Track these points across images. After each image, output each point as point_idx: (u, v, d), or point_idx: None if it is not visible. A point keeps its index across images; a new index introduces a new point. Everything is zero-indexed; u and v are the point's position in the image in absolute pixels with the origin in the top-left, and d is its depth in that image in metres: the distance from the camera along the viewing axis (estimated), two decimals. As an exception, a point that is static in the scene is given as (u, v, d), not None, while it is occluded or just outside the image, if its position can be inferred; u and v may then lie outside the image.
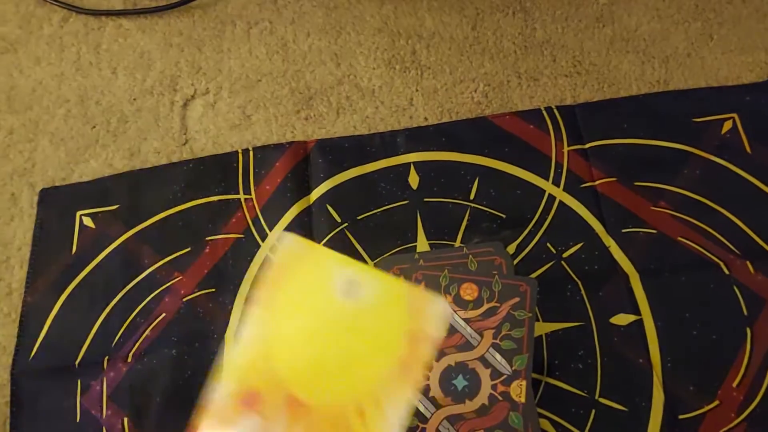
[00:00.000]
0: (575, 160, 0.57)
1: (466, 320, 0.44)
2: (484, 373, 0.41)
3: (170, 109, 0.64)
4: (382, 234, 0.56)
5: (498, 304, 0.44)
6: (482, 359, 0.42)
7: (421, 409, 0.45)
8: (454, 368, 0.45)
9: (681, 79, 0.61)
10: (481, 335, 0.43)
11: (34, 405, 0.53)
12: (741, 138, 0.57)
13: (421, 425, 0.45)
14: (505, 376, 0.41)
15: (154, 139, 0.62)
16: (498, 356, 0.42)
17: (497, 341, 0.43)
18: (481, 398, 0.44)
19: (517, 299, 0.44)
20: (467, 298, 0.45)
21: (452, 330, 0.43)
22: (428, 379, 0.45)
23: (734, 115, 0.58)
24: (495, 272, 0.46)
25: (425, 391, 0.45)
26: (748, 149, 0.57)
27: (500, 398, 0.43)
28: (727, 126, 0.58)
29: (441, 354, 0.46)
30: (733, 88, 0.60)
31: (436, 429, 0.44)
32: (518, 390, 0.42)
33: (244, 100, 0.63)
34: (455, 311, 0.44)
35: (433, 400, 0.45)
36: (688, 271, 0.53)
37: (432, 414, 0.45)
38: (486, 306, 0.44)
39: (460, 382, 0.45)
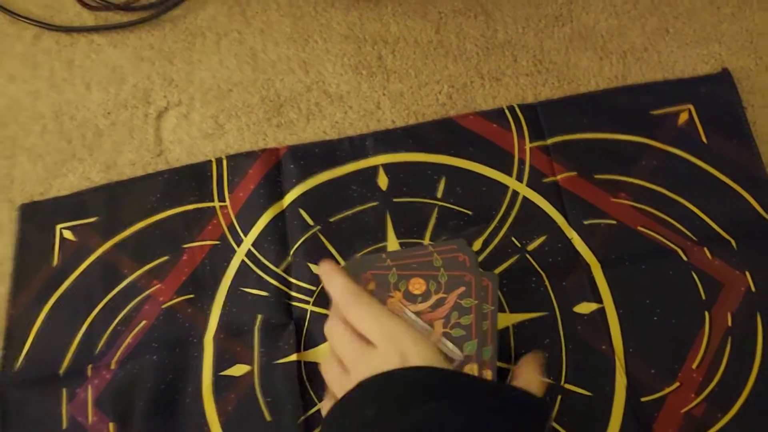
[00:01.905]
0: (537, 156, 0.59)
1: (417, 313, 0.46)
2: None
3: (144, 121, 0.65)
4: (353, 235, 0.58)
5: (445, 295, 0.46)
6: None
7: None
8: None
9: (639, 74, 0.63)
10: (432, 326, 0.45)
11: (21, 415, 0.55)
12: (697, 128, 0.59)
13: None
14: (457, 362, 0.43)
15: (129, 151, 0.64)
16: (449, 344, 0.44)
17: (448, 330, 0.45)
18: None
19: (462, 288, 0.46)
20: (416, 292, 0.47)
21: None
22: None
23: (690, 106, 0.60)
24: (448, 267, 0.47)
25: None
26: (703, 139, 0.59)
27: None
28: (684, 117, 0.60)
29: None
30: (689, 80, 0.62)
31: None
32: (470, 372, 0.43)
33: (216, 110, 0.65)
34: (406, 306, 0.46)
35: None
36: (648, 259, 0.55)
37: None
38: (434, 298, 0.46)
39: None
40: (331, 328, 0.47)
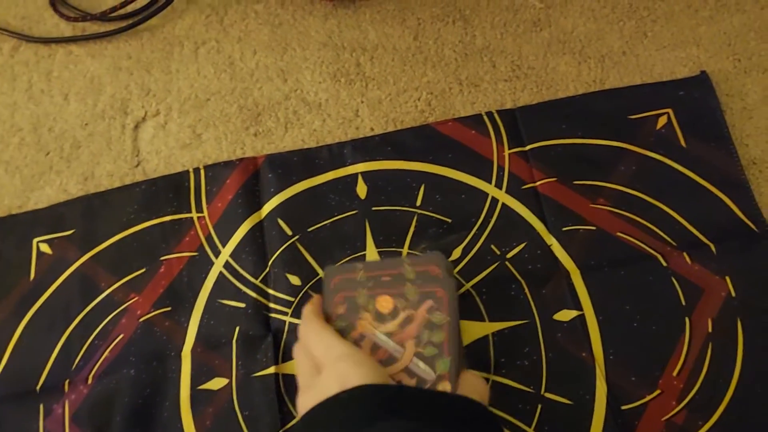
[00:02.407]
0: (516, 162, 0.59)
1: (389, 334, 0.45)
2: (410, 383, 0.42)
3: (122, 132, 0.65)
4: (332, 244, 0.58)
5: (413, 311, 0.45)
6: (407, 370, 0.43)
7: None
8: None
9: (617, 78, 0.63)
10: (404, 346, 0.44)
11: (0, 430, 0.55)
12: (676, 132, 0.59)
13: None
14: (430, 383, 0.42)
15: (107, 162, 0.64)
16: (421, 364, 0.43)
17: (420, 350, 0.44)
18: None
19: (431, 303, 0.45)
20: (384, 311, 0.46)
21: (375, 347, 0.45)
22: None
23: (669, 110, 0.60)
24: (420, 280, 0.46)
25: None
26: (682, 143, 0.59)
27: None
28: (662, 121, 0.60)
29: None
30: (667, 83, 0.62)
31: None
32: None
33: (194, 120, 0.65)
34: (376, 328, 0.45)
35: None
36: (627, 265, 0.54)
37: None
38: (402, 315, 0.45)
39: None
40: (295, 353, 0.47)
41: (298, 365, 0.45)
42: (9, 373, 0.56)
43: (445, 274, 0.46)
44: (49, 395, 0.55)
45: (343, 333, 0.46)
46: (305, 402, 0.41)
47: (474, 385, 0.43)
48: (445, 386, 0.42)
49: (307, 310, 0.47)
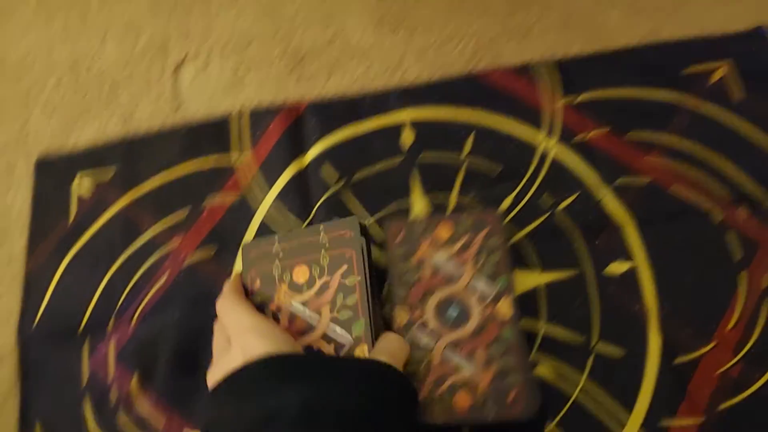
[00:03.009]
0: (568, 112, 0.58)
1: (304, 303, 0.46)
2: (329, 349, 0.45)
3: (161, 74, 0.63)
4: (377, 192, 0.57)
5: (329, 278, 0.47)
6: (325, 337, 0.45)
7: (424, 342, 0.47)
8: (445, 301, 0.49)
9: (671, 31, 0.61)
10: (320, 313, 0.46)
11: (42, 370, 0.54)
12: (730, 86, 0.58)
13: (427, 356, 0.47)
14: (348, 347, 0.44)
15: (147, 104, 0.62)
16: (338, 329, 0.45)
17: (336, 315, 0.46)
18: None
19: (345, 267, 0.46)
20: (300, 281, 0.47)
21: (293, 317, 0.46)
22: (425, 315, 0.48)
23: (724, 63, 0.58)
24: (333, 245, 0.48)
25: (424, 325, 0.48)
26: (737, 96, 0.57)
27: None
28: (718, 74, 0.58)
29: (430, 291, 0.49)
30: (723, 37, 0.60)
31: (441, 356, 0.47)
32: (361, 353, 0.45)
33: (235, 63, 0.63)
34: (291, 298, 0.47)
35: (433, 333, 0.48)
36: (681, 218, 0.53)
37: (435, 344, 0.47)
38: (319, 283, 0.47)
39: (452, 312, 0.48)
40: (214, 327, 0.47)
41: (214, 340, 0.46)
42: (52, 312, 0.56)
43: (356, 235, 0.47)
44: (94, 335, 0.55)
45: (261, 307, 0.47)
46: (213, 376, 0.41)
47: (391, 346, 0.44)
48: (363, 349, 0.44)
49: (226, 286, 0.48)
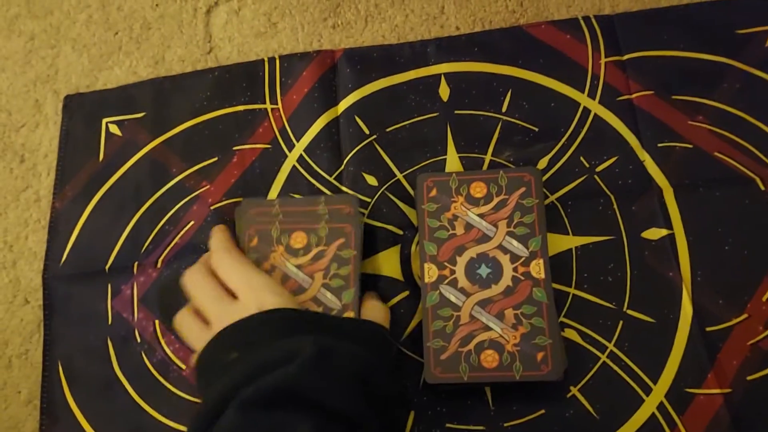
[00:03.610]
0: (612, 71, 0.56)
1: (299, 266, 0.48)
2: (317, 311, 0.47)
3: (193, 15, 0.62)
4: (411, 146, 0.56)
5: (325, 248, 0.48)
6: (315, 299, 0.47)
7: (453, 299, 0.48)
8: (476, 259, 0.49)
9: (725, -11, 0.58)
10: (313, 278, 0.48)
11: (66, 308, 0.55)
12: (786, 51, 0.55)
13: (455, 313, 0.47)
14: (336, 311, 0.47)
15: (178, 46, 0.61)
16: (328, 294, 0.47)
17: (327, 281, 0.47)
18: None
19: (342, 240, 0.48)
20: (297, 246, 0.49)
21: (285, 277, 0.48)
22: (455, 272, 0.48)
23: (782, 25, 0.56)
24: (332, 218, 0.50)
25: (454, 283, 0.48)
26: (793, 62, 0.55)
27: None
28: (774, 37, 0.56)
29: (462, 249, 0.49)
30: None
31: (470, 314, 0.47)
32: None
33: (269, 8, 0.62)
34: (287, 259, 0.48)
35: (462, 290, 0.48)
36: (724, 186, 0.52)
37: (463, 302, 0.47)
38: (315, 251, 0.48)
39: (483, 270, 0.48)
40: (196, 281, 0.47)
41: (203, 289, 0.47)
42: (77, 252, 0.56)
43: (356, 212, 0.49)
44: (118, 276, 0.55)
45: (255, 264, 0.48)
46: (222, 324, 0.43)
47: (376, 312, 0.48)
48: (350, 314, 0.47)
49: (218, 239, 0.49)
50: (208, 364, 0.43)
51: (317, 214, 0.49)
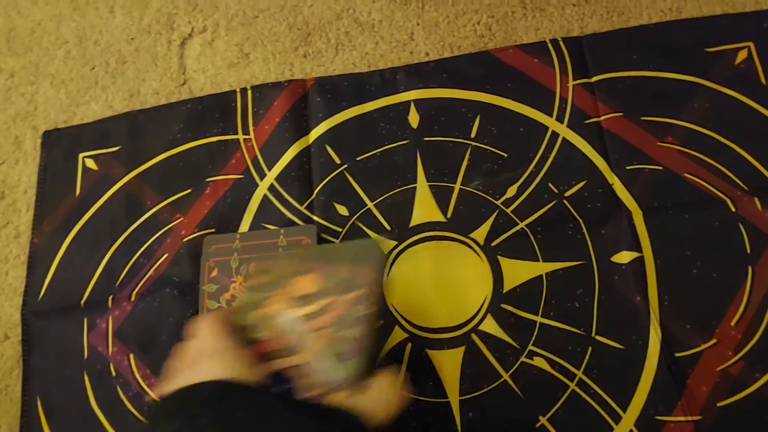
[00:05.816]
0: (580, 94, 0.56)
1: (307, 316, 0.38)
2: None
3: (168, 48, 0.63)
4: (381, 175, 0.56)
5: (336, 298, 0.38)
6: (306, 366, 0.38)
7: None
8: None
9: (695, 7, 0.58)
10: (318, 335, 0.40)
11: (44, 343, 0.55)
12: (756, 68, 0.55)
13: None
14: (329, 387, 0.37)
15: (153, 79, 0.62)
16: (326, 363, 0.37)
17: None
18: None
19: (360, 290, 0.38)
20: (304, 291, 0.40)
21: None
22: None
23: (750, 43, 0.55)
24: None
25: None
26: (762, 80, 0.54)
27: None
28: (742, 55, 0.55)
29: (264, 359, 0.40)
30: (750, 14, 0.57)
31: None
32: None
33: (241, 38, 0.62)
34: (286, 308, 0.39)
35: None
36: (693, 208, 0.51)
37: None
38: (323, 301, 0.39)
39: None
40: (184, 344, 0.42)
41: (183, 353, 0.40)
42: (55, 287, 0.57)
43: (314, 243, 0.52)
44: (93, 310, 0.55)
45: (216, 295, 0.51)
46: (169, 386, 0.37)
47: (380, 394, 0.37)
48: (340, 392, 0.36)
49: (213, 319, 0.40)
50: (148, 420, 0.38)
51: (276, 245, 0.50)
